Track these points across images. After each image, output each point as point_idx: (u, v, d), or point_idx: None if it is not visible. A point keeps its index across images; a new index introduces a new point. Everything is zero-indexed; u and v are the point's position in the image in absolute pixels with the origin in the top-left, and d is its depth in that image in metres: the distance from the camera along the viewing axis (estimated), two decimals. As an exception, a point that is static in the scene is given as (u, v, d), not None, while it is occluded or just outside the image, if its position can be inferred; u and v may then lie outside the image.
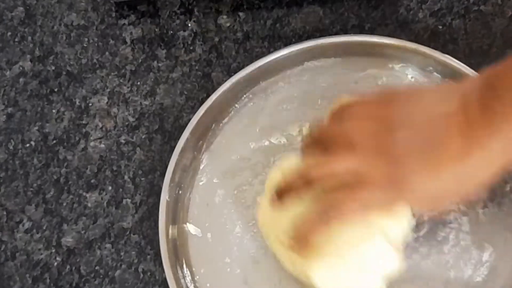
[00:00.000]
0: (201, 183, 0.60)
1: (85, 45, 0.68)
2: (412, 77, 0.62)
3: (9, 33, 0.69)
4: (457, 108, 0.44)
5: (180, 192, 0.59)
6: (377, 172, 0.45)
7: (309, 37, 0.66)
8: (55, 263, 0.60)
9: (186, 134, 0.59)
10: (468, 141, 0.43)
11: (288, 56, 0.62)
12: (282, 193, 0.50)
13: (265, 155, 0.60)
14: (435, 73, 0.61)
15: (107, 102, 0.66)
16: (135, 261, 0.59)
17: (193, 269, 0.57)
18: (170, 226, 0.57)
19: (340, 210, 0.47)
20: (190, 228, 0.59)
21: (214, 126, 0.62)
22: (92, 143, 0.64)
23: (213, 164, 0.61)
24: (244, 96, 0.63)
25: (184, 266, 0.57)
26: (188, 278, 0.57)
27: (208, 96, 0.64)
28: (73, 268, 0.60)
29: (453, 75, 0.60)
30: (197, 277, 0.57)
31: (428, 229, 0.56)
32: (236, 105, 0.63)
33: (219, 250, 0.57)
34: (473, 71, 0.59)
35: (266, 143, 0.61)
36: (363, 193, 0.46)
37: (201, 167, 0.61)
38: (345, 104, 0.50)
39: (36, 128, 0.65)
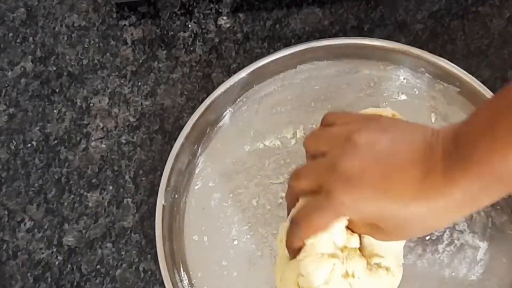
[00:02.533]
0: (196, 187, 0.60)
1: (86, 46, 0.68)
2: (404, 79, 0.62)
3: (10, 34, 0.70)
4: (421, 153, 0.44)
5: (176, 196, 0.59)
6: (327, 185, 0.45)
7: (308, 38, 0.67)
8: (56, 262, 0.60)
9: (181, 138, 0.60)
10: (420, 189, 0.43)
11: (281, 60, 0.62)
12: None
13: (260, 158, 0.61)
14: (426, 74, 0.61)
15: (108, 103, 0.66)
16: (136, 260, 0.60)
17: (190, 273, 0.57)
18: (167, 231, 0.57)
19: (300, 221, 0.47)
20: (187, 232, 0.59)
21: (209, 130, 0.62)
22: (93, 143, 0.64)
23: (208, 168, 0.61)
24: (238, 100, 0.63)
25: (181, 270, 0.57)
26: (186, 282, 0.57)
27: (208, 96, 0.64)
28: (74, 267, 0.60)
29: (444, 76, 0.61)
30: (194, 280, 0.57)
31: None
32: (230, 109, 0.63)
33: (216, 254, 0.58)
34: (463, 71, 0.60)
35: (261, 146, 0.61)
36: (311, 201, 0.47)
37: (196, 171, 0.61)
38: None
39: (38, 128, 0.65)
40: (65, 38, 0.69)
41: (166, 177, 0.58)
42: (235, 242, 0.58)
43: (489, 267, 0.55)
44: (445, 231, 0.56)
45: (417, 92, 0.62)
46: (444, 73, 0.60)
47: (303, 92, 0.63)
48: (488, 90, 0.58)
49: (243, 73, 0.62)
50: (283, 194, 0.58)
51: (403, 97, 0.62)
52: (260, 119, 0.63)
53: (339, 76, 0.63)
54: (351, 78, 0.63)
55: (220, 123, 0.63)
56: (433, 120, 0.60)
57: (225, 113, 0.63)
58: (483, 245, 0.55)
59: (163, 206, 0.57)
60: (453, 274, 0.55)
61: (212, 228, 0.59)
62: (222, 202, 0.59)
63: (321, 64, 0.63)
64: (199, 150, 0.62)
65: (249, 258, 0.57)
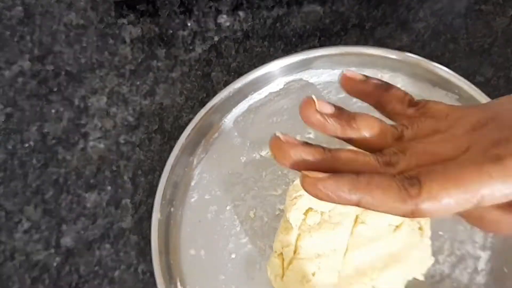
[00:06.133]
0: (192, 200, 0.60)
1: (84, 45, 0.68)
2: (402, 86, 0.61)
3: (8, 33, 0.69)
4: None
5: (172, 209, 0.59)
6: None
7: (309, 36, 0.66)
8: (54, 264, 0.60)
9: (176, 150, 0.59)
10: None
11: (277, 69, 0.62)
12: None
13: (256, 169, 0.60)
14: (424, 81, 0.61)
15: (106, 102, 0.65)
16: (135, 261, 0.59)
17: (187, 287, 0.57)
18: (163, 245, 0.57)
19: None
20: (183, 246, 0.58)
21: (204, 141, 0.62)
22: (91, 143, 0.64)
23: (204, 180, 0.60)
24: (233, 110, 0.62)
25: (179, 284, 0.57)
26: (183, 297, 0.57)
27: (207, 96, 0.64)
28: (73, 268, 0.60)
29: (443, 83, 0.60)
30: (192, 295, 0.57)
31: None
32: (226, 120, 0.62)
33: (213, 268, 0.57)
34: (462, 78, 0.59)
35: (257, 157, 0.61)
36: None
37: (192, 184, 0.60)
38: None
39: (35, 128, 0.65)
40: (63, 37, 0.68)
41: (161, 190, 0.58)
42: (233, 256, 0.57)
43: (491, 277, 0.54)
44: (445, 242, 0.56)
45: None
46: (443, 80, 0.60)
47: (299, 102, 0.62)
48: (486, 97, 0.58)
49: (238, 83, 0.61)
50: (281, 206, 0.58)
51: None
52: (256, 129, 0.62)
53: (336, 85, 0.62)
54: (348, 86, 0.62)
55: (216, 134, 0.62)
56: None
57: (220, 123, 0.62)
58: (484, 255, 0.55)
59: (159, 219, 0.57)
60: (454, 284, 0.54)
61: (209, 241, 0.58)
62: (218, 215, 0.59)
63: (317, 73, 0.63)
64: (195, 162, 0.61)
65: (247, 272, 0.57)
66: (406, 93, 0.40)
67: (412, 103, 0.39)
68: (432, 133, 0.37)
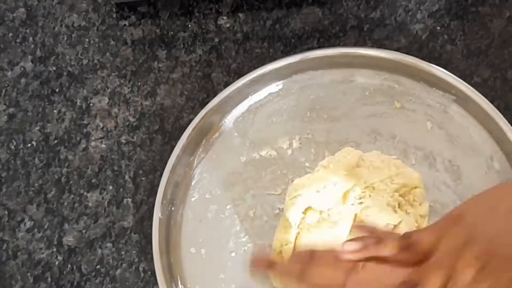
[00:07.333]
0: (193, 199, 0.60)
1: (86, 46, 0.69)
2: (399, 86, 0.62)
3: (10, 34, 0.70)
4: None
5: (172, 209, 0.59)
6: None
7: (308, 38, 0.67)
8: (56, 262, 0.60)
9: (177, 150, 0.60)
10: None
11: (276, 70, 0.62)
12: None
13: (256, 169, 0.61)
14: (422, 82, 0.61)
15: (108, 103, 0.66)
16: (136, 260, 0.60)
17: (188, 286, 0.57)
18: (164, 244, 0.57)
19: None
20: (184, 244, 0.59)
21: (205, 142, 0.62)
22: (93, 143, 0.64)
23: (205, 180, 0.61)
24: (233, 110, 0.63)
25: (179, 283, 0.57)
26: (183, 295, 0.57)
27: (208, 96, 0.64)
28: (74, 267, 0.60)
29: (439, 84, 0.60)
30: (192, 294, 0.57)
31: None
32: (226, 120, 0.63)
33: (213, 266, 0.57)
34: (459, 79, 0.60)
35: (257, 157, 0.61)
36: None
37: (192, 183, 0.61)
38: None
39: (38, 128, 0.65)
40: (65, 38, 0.69)
41: (162, 190, 0.58)
42: (233, 254, 0.58)
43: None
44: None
45: (412, 100, 0.61)
46: (440, 81, 0.60)
47: (298, 102, 0.63)
48: (483, 98, 0.58)
49: (238, 84, 0.62)
50: (280, 205, 0.59)
51: (398, 105, 0.61)
52: (256, 129, 0.62)
53: (334, 85, 0.63)
54: (347, 87, 0.63)
55: (216, 135, 0.62)
56: (428, 128, 0.60)
57: (220, 124, 0.63)
58: None
59: (160, 219, 0.57)
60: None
61: (209, 240, 0.58)
62: (219, 214, 0.59)
63: (316, 74, 0.63)
64: (195, 162, 0.61)
65: (247, 270, 0.56)
66: (393, 239, 0.42)
67: (403, 246, 0.41)
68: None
